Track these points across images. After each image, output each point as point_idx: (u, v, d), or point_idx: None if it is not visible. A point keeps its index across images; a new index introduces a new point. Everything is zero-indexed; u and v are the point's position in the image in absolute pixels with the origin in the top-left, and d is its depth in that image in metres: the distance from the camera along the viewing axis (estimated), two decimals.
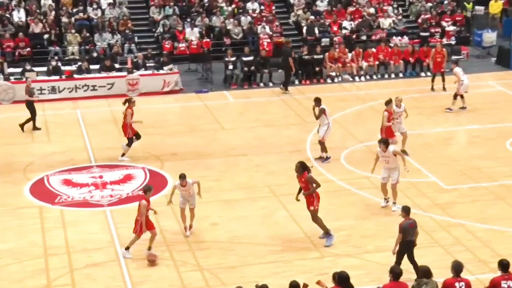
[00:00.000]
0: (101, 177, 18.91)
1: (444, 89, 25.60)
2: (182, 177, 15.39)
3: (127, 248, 14.72)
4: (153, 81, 26.41)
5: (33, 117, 22.57)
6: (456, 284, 11.21)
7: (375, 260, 14.36)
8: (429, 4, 32.98)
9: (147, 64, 27.36)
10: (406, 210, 13.51)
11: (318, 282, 11.33)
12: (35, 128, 22.61)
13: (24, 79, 24.69)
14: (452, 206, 16.58)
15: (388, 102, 19.18)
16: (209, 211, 16.75)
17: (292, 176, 18.54)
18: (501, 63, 29.07)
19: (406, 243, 13.27)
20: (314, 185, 15.10)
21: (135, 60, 27.45)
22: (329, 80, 27.58)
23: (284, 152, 20.34)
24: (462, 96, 23.38)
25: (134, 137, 19.94)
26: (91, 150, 20.81)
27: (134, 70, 26.67)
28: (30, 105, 22.61)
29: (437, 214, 16.17)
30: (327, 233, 15.16)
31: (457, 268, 11.40)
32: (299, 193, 15.37)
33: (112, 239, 15.50)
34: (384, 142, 16.44)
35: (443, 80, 25.63)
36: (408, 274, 12.80)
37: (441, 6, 32.98)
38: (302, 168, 15.19)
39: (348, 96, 25.73)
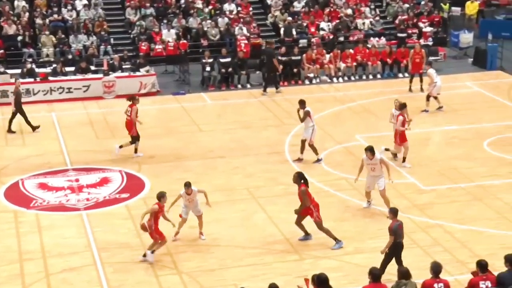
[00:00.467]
0: (77, 180, 18.78)
1: (422, 90, 25.78)
2: (187, 185, 15.19)
3: (152, 252, 14.56)
4: (129, 83, 26.29)
5: (11, 119, 22.41)
6: (435, 285, 11.30)
7: (354, 261, 14.42)
8: (406, 5, 33.23)
9: (123, 66, 27.26)
10: (394, 212, 13.60)
11: (306, 280, 11.33)
12: (9, 131, 22.41)
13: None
14: (430, 207, 16.70)
15: (403, 106, 19.28)
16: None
17: (271, 178, 18.69)
18: (477, 64, 29.34)
19: (396, 245, 13.34)
20: (302, 202, 14.96)
21: (111, 62, 27.32)
22: (307, 82, 27.66)
23: (262, 154, 20.37)
24: (436, 97, 23.57)
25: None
26: (67, 153, 20.67)
27: (110, 72, 26.54)
28: (19, 106, 22.41)
29: (416, 215, 16.28)
30: (335, 240, 14.98)
31: (435, 269, 11.49)
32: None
33: (89, 243, 15.41)
34: (370, 150, 16.26)
35: (421, 81, 25.82)
36: (388, 275, 12.87)
37: (418, 7, 33.24)
38: (300, 179, 15.13)
39: (326, 98, 25.82)
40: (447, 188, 17.58)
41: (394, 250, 13.34)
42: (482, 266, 11.52)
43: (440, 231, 15.57)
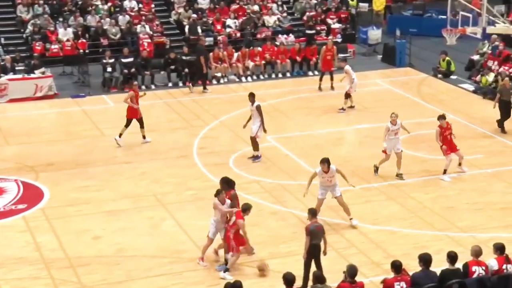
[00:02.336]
0: None
1: (332, 88, 26.26)
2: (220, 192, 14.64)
3: (226, 270, 14.15)
4: (23, 86, 25.59)
5: None
6: None
7: (269, 267, 14.53)
8: (314, 1, 33.79)
9: (16, 68, 26.50)
10: (312, 213, 13.77)
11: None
12: None
13: None
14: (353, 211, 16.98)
15: (441, 117, 18.55)
16: (90, 223, 16.45)
17: (179, 183, 18.60)
18: (386, 61, 30.14)
19: (313, 247, 13.52)
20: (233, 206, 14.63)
21: (2, 63, 26.52)
22: (214, 81, 27.69)
23: (170, 158, 20.26)
24: (347, 94, 24.02)
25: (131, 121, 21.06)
26: None
27: (2, 74, 25.76)
28: None
29: (330, 217, 16.55)
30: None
31: (351, 271, 11.72)
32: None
33: None
34: (326, 161, 15.73)
35: (332, 79, 26.29)
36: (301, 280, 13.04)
37: (325, 3, 33.86)
38: (226, 185, 14.94)
39: (235, 98, 25.92)
40: (361, 188, 17.97)
41: (311, 253, 13.54)
42: (396, 267, 11.83)
43: (354, 232, 15.90)
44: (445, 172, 18.49)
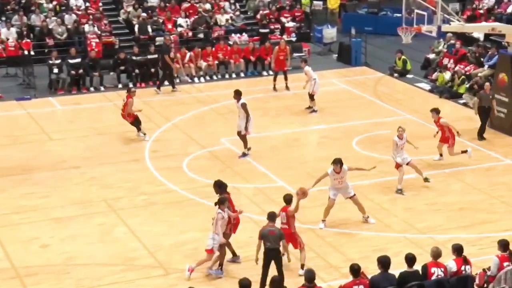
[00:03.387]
0: None
1: (287, 88, 26.37)
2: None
3: (302, 267, 14.18)
4: None
5: None
6: None
7: (224, 273, 14.51)
8: None
9: None
10: (269, 216, 13.83)
11: None
12: None
13: None
14: (301, 211, 16.96)
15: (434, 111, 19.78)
16: (38, 231, 16.26)
17: (131, 188, 18.50)
18: (342, 60, 30.39)
19: (267, 250, 13.57)
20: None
21: None
22: (166, 82, 27.52)
23: (121, 162, 20.12)
24: (310, 95, 24.13)
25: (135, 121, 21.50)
26: None
27: None
28: None
29: None
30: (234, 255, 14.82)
31: (309, 276, 11.79)
32: None
33: None
34: (339, 162, 15.91)
35: (286, 79, 26.41)
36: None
37: (279, 1, 34.01)
38: (218, 188, 14.83)
39: (188, 99, 25.87)
40: (318, 191, 18.02)
41: (267, 257, 13.60)
42: (354, 270, 11.93)
43: (312, 235, 15.99)
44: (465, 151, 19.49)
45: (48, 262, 15.04)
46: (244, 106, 19.95)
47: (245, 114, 19.94)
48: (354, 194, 16.39)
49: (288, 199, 14.63)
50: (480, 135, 21.46)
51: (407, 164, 18.13)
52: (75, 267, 14.85)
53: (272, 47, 28.02)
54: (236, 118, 23.40)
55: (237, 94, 20.06)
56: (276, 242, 13.60)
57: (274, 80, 26.53)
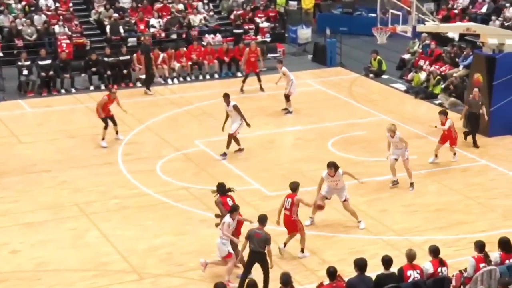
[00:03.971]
0: None
1: (261, 89, 26.39)
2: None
3: (302, 250, 15.10)
4: None
5: None
6: None
7: (199, 277, 14.49)
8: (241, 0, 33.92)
9: None
10: (260, 219, 13.91)
11: None
12: None
13: None
14: (277, 214, 17.08)
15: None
16: (8, 237, 16.12)
17: (103, 191, 18.41)
18: (317, 60, 30.48)
19: (250, 252, 13.69)
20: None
21: None
22: (139, 84, 27.45)
23: (93, 166, 20.00)
24: (286, 96, 24.13)
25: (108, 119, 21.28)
26: None
27: None
28: None
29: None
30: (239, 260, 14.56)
31: (284, 279, 11.82)
32: None
33: None
34: (333, 165, 16.10)
35: (259, 80, 26.39)
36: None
37: (253, 2, 34.03)
38: (217, 189, 14.95)
39: (161, 101, 25.79)
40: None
41: (250, 259, 13.71)
42: (330, 273, 11.98)
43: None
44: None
45: (19, 268, 14.91)
46: (236, 107, 20.16)
47: (239, 115, 20.17)
48: (346, 200, 16.43)
49: (293, 187, 15.24)
50: (474, 143, 21.08)
51: (403, 160, 18.39)
52: (46, 273, 14.73)
53: (245, 48, 27.98)
54: (210, 120, 23.52)
55: (226, 97, 20.32)
56: (260, 245, 13.61)
57: (243, 82, 26.41)
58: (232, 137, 20.31)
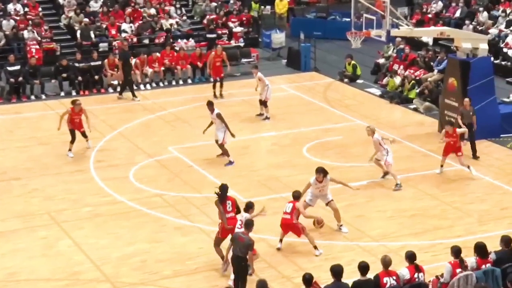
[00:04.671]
0: None
1: (221, 95, 26.28)
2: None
3: (315, 248, 15.59)
4: None
5: None
6: None
7: (174, 286, 14.48)
8: (214, 4, 33.93)
9: None
10: (246, 224, 14.06)
11: None
12: None
13: None
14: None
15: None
16: None
17: (75, 199, 18.32)
18: (291, 65, 30.58)
19: (232, 256, 13.78)
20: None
21: None
22: (110, 90, 27.36)
23: (64, 173, 19.90)
24: (262, 102, 24.13)
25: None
26: None
27: None
28: None
29: None
30: (225, 262, 14.79)
31: (261, 286, 11.83)
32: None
33: None
34: (322, 171, 16.26)
35: (221, 86, 26.30)
36: None
37: (226, 6, 34.07)
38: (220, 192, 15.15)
39: (134, 106, 25.71)
40: (269, 199, 18.12)
41: (232, 262, 13.79)
42: (306, 280, 12.03)
43: (263, 245, 16.00)
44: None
45: None
46: (219, 116, 20.19)
47: (222, 123, 20.22)
48: (331, 200, 16.64)
49: (296, 195, 15.71)
50: (474, 155, 20.75)
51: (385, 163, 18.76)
52: (17, 283, 14.63)
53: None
54: (184, 126, 23.51)
55: (210, 105, 20.39)
56: (241, 250, 13.66)
57: (213, 87, 26.35)
58: (222, 146, 20.38)
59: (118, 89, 26.71)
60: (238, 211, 14.98)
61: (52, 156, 21.13)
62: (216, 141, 20.39)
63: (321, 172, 16.31)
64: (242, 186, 18.90)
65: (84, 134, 21.29)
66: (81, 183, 19.29)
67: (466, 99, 21.03)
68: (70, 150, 21.05)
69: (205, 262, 15.24)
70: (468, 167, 19.58)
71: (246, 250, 13.61)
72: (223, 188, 15.14)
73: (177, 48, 29.62)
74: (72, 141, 21.03)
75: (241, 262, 13.66)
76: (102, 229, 16.87)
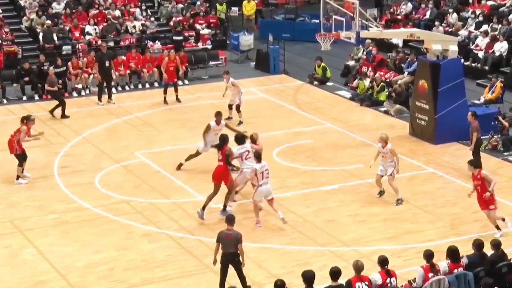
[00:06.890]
0: None
1: (178, 100, 26.19)
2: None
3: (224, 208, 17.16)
4: None
5: None
6: None
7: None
8: (180, 5, 33.92)
9: None
10: (228, 220, 14.31)
11: None
12: None
13: None
14: (222, 226, 17.10)
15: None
16: None
17: (39, 206, 18.20)
18: (260, 68, 30.65)
19: (223, 255, 13.89)
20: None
21: None
22: (75, 94, 27.22)
23: (28, 179, 19.73)
24: (235, 107, 24.17)
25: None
26: None
27: None
28: None
29: (207, 236, 16.60)
30: (224, 209, 17.27)
31: None
32: None
33: None
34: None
35: (176, 90, 26.18)
36: None
37: (193, 8, 34.07)
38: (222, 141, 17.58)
39: (99, 111, 25.58)
40: (239, 204, 18.18)
41: (224, 261, 13.92)
42: (278, 286, 12.12)
43: None
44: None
45: None
46: (208, 127, 20.07)
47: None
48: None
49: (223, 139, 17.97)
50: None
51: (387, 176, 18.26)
52: None
53: (187, 55, 27.97)
54: (151, 130, 23.46)
55: (219, 116, 20.40)
56: (231, 246, 13.82)
57: (164, 92, 26.06)
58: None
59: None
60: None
61: (15, 162, 20.86)
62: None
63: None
64: (211, 191, 18.86)
65: (25, 158, 19.80)
66: (46, 190, 19.17)
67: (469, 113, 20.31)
68: (19, 177, 19.58)
69: (173, 269, 15.24)
70: (503, 219, 16.62)
71: (237, 244, 13.84)
72: (223, 138, 17.77)
73: (150, 51, 29.50)
74: (21, 164, 19.68)
75: (234, 258, 13.91)
76: (68, 236, 16.78)
